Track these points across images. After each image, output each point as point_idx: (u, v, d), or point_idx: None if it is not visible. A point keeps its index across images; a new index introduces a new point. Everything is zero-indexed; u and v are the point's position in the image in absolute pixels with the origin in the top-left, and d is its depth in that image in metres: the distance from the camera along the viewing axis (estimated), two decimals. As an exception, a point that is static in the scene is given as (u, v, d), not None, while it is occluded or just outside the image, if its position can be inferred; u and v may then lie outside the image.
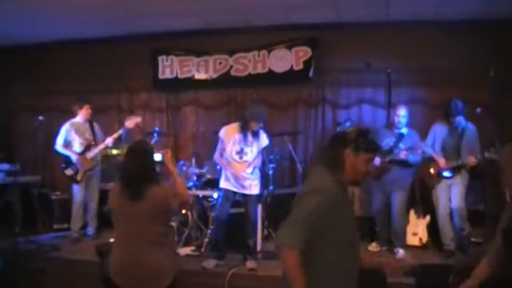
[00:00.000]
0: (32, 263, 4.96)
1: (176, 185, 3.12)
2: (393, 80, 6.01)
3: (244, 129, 4.67)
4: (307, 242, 2.02)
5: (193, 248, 5.20)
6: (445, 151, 5.00)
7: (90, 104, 5.89)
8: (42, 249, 5.24)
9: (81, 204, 5.77)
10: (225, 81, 6.66)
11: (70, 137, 5.76)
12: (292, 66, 6.37)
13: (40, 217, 6.45)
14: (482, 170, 5.00)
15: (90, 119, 5.90)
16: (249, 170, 4.70)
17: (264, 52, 6.48)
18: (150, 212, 2.87)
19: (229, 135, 4.71)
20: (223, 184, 4.75)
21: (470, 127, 4.93)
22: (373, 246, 5.25)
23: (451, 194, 4.94)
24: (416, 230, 5.30)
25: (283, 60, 6.40)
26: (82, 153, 5.70)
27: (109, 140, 5.70)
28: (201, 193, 5.53)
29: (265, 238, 5.32)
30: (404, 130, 5.10)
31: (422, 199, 5.43)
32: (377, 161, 5.09)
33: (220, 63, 6.67)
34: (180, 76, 6.84)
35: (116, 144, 5.79)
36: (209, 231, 5.15)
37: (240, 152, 4.70)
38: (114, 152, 5.95)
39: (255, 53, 6.51)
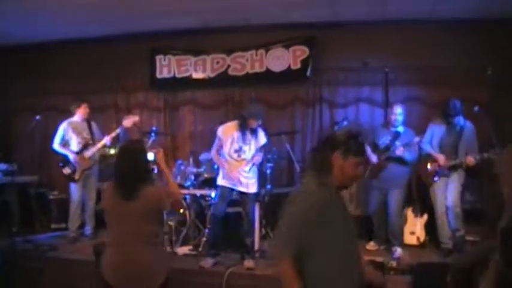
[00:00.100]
0: (29, 263, 4.96)
1: (169, 184, 3.11)
2: (391, 78, 6.01)
3: (242, 127, 4.67)
4: (300, 250, 2.01)
5: (191, 247, 5.20)
6: (442, 149, 5.00)
7: (88, 103, 5.90)
8: (39, 249, 5.24)
9: (79, 203, 5.77)
10: (223, 80, 6.65)
11: (67, 136, 5.76)
12: (289, 66, 6.37)
13: (38, 217, 6.46)
14: (480, 169, 5.00)
15: (88, 118, 5.90)
16: (247, 168, 4.70)
17: (261, 51, 6.48)
18: (143, 212, 2.88)
19: (228, 133, 4.72)
20: (220, 181, 4.76)
21: (469, 125, 4.93)
22: (371, 245, 5.26)
23: (447, 192, 4.94)
24: (414, 228, 5.30)
25: (281, 59, 6.40)
26: (80, 152, 5.70)
27: (107, 139, 5.70)
28: (198, 192, 5.53)
29: (263, 237, 5.31)
30: (400, 128, 5.13)
31: (419, 198, 5.43)
32: (374, 158, 5.11)
33: (217, 62, 6.66)
34: (177, 75, 6.83)
35: (114, 143, 5.79)
36: (207, 230, 5.16)
37: (239, 150, 4.70)
38: (112, 151, 5.94)
39: (253, 52, 6.51)
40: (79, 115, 5.82)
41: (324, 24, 6.17)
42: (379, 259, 4.39)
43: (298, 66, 6.34)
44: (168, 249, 5.10)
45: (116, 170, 3.03)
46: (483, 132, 4.87)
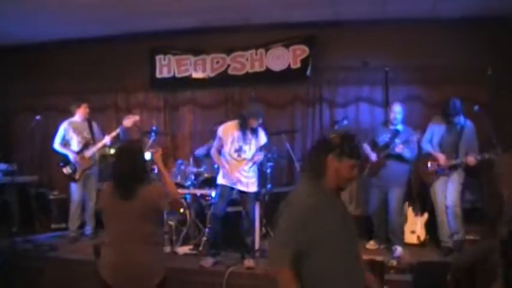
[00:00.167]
0: (29, 263, 4.95)
1: (166, 184, 3.11)
2: (391, 78, 6.01)
3: (243, 127, 4.67)
4: (298, 256, 2.00)
5: (191, 246, 5.21)
6: (442, 149, 5.00)
7: (88, 103, 5.90)
8: (39, 249, 5.24)
9: (79, 203, 5.77)
10: (223, 80, 6.65)
11: (68, 136, 5.76)
12: (289, 65, 6.37)
13: (38, 217, 6.46)
14: (480, 169, 5.00)
15: (88, 118, 5.90)
16: (247, 168, 4.70)
17: (261, 51, 6.48)
18: (141, 211, 2.88)
19: (228, 133, 4.71)
20: (220, 180, 4.76)
21: (469, 125, 4.93)
22: (371, 245, 5.25)
23: (446, 192, 4.94)
24: (414, 227, 5.30)
25: (281, 58, 6.40)
26: (80, 152, 5.70)
27: (107, 139, 5.70)
28: (198, 192, 5.53)
29: (263, 236, 5.32)
30: (399, 127, 5.13)
31: (420, 197, 5.43)
32: (373, 157, 5.11)
33: (217, 62, 6.66)
34: (177, 75, 6.83)
35: (114, 143, 5.78)
36: (207, 229, 5.15)
37: (239, 150, 4.70)
38: (112, 151, 5.93)
39: (253, 51, 6.51)
40: (79, 115, 5.82)
41: (324, 24, 6.18)
42: (379, 258, 4.37)
43: (298, 65, 6.34)
44: (169, 248, 5.11)
45: (114, 170, 3.05)
46: (483, 131, 4.87)
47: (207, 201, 5.43)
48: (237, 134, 4.68)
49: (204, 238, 5.14)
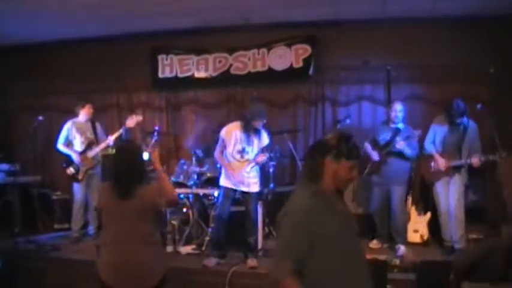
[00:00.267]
0: (32, 263, 4.96)
1: (163, 183, 3.11)
2: (392, 77, 6.02)
3: (246, 128, 4.66)
4: (300, 262, 1.99)
5: (194, 246, 5.21)
6: (445, 149, 4.99)
7: (91, 104, 5.90)
8: (42, 249, 5.25)
9: (82, 203, 5.78)
10: (225, 79, 6.64)
11: (71, 136, 5.77)
12: (291, 64, 6.36)
13: (40, 217, 6.45)
14: (483, 168, 4.99)
15: (91, 118, 5.91)
16: (248, 168, 4.70)
17: (263, 50, 6.47)
18: (139, 210, 2.89)
19: (230, 134, 4.70)
20: (223, 182, 4.75)
21: (472, 125, 4.92)
22: (374, 244, 5.26)
23: (448, 194, 4.94)
24: (417, 226, 5.31)
25: (283, 58, 6.39)
26: (83, 152, 5.70)
27: (110, 139, 5.70)
28: (201, 191, 5.54)
29: (266, 236, 5.33)
30: (400, 125, 5.14)
31: (422, 196, 5.44)
32: (375, 156, 5.11)
33: (219, 61, 6.65)
34: (179, 75, 6.82)
35: (117, 143, 5.79)
36: (210, 229, 5.16)
37: (242, 151, 4.70)
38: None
39: (255, 51, 6.50)
40: (83, 115, 5.83)
41: (325, 23, 6.16)
42: (382, 257, 4.39)
43: (300, 64, 6.33)
44: (171, 248, 5.11)
45: (112, 169, 3.07)
46: (485, 130, 4.87)
47: (210, 201, 5.44)
48: (239, 135, 4.68)
49: (207, 238, 5.14)
